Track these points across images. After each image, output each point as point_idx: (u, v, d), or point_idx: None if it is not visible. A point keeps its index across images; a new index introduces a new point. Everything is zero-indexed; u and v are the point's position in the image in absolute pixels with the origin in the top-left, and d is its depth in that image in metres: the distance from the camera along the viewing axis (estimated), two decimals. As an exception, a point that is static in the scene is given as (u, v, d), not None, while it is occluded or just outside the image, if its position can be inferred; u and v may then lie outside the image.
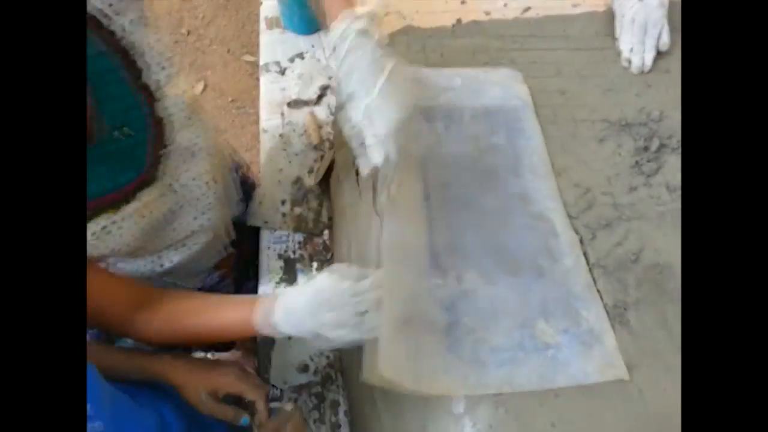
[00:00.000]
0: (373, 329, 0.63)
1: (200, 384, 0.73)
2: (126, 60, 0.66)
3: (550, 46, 0.88)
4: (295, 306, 0.65)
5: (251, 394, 0.74)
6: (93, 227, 0.63)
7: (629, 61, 0.85)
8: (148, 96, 0.69)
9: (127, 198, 0.67)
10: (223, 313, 0.72)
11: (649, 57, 0.84)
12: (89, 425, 0.51)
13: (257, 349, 0.98)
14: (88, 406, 0.51)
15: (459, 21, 0.92)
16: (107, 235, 0.65)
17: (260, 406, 0.73)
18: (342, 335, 0.63)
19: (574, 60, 0.87)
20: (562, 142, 0.79)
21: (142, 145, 0.69)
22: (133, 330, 0.72)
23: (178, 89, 0.72)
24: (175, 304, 0.74)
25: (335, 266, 0.68)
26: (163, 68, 0.70)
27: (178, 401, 0.69)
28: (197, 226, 0.84)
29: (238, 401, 0.78)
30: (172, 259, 0.82)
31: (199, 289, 1.02)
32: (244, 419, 0.73)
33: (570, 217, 0.73)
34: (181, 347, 0.80)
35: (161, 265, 0.82)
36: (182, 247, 0.82)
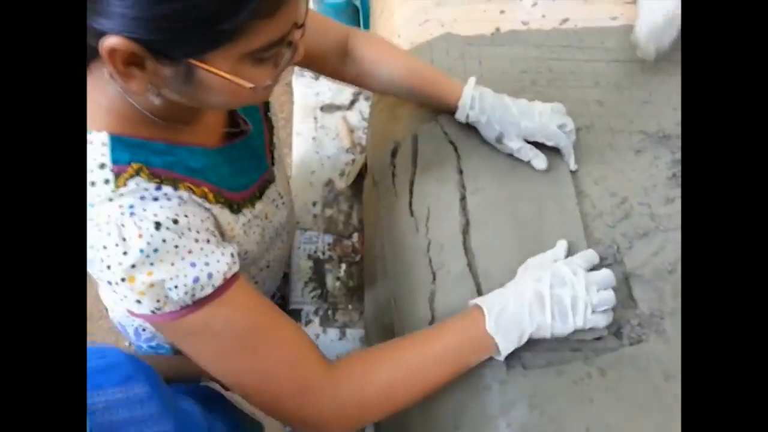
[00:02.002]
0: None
1: None
2: None
3: (588, 57, 0.89)
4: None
5: None
6: (241, 219, 0.64)
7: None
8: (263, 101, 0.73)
9: (257, 196, 0.69)
10: (451, 334, 0.61)
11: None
12: (161, 425, 0.52)
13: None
14: (157, 406, 0.51)
15: (498, 30, 0.93)
16: (246, 233, 0.66)
17: None
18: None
19: (611, 71, 0.87)
20: (600, 152, 0.79)
21: (262, 146, 0.72)
22: (327, 396, 0.58)
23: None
24: (383, 345, 0.63)
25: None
26: None
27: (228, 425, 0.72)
28: (282, 241, 0.85)
29: None
30: (249, 273, 0.79)
31: None
32: None
33: (607, 226, 0.73)
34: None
35: None
36: (258, 264, 0.79)
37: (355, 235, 1.10)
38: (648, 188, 0.76)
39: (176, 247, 0.51)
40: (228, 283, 0.55)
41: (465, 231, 0.74)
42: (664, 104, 0.83)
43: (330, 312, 1.01)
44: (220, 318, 0.54)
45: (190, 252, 0.52)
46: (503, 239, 0.72)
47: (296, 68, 1.38)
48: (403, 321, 0.75)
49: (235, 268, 0.56)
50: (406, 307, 0.75)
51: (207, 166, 0.59)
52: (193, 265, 0.52)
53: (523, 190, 0.76)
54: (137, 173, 0.51)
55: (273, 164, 0.74)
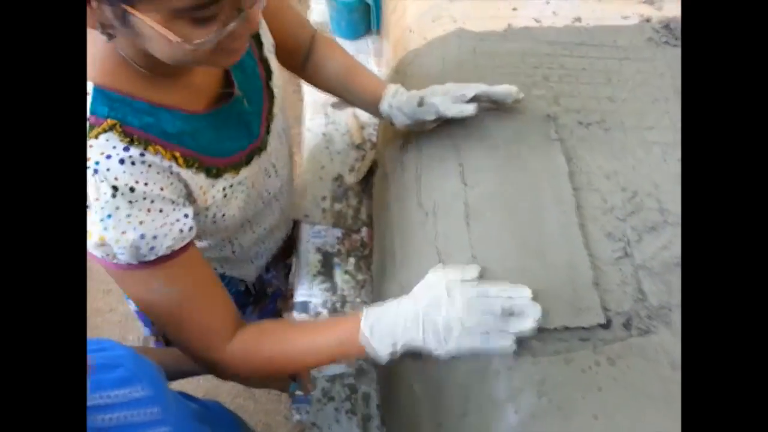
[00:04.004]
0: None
1: None
2: (255, 34, 0.72)
3: (600, 55, 0.89)
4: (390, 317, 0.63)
5: None
6: (221, 183, 0.67)
7: None
8: (265, 70, 0.76)
9: (244, 162, 0.72)
10: (332, 332, 0.67)
11: None
12: (157, 429, 0.52)
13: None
14: (157, 409, 0.52)
15: (510, 26, 0.93)
16: (227, 197, 0.69)
17: (303, 373, 0.79)
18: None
19: (623, 69, 0.88)
20: (611, 147, 0.79)
21: (257, 116, 0.74)
22: (226, 353, 0.68)
23: (277, 70, 0.79)
24: (279, 325, 0.72)
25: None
26: (270, 50, 0.78)
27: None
28: (277, 209, 0.90)
29: None
30: (243, 242, 0.86)
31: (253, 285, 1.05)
32: (293, 386, 0.79)
33: (617, 219, 0.73)
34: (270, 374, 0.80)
35: (233, 252, 0.87)
36: (250, 230, 0.86)
37: (364, 230, 1.11)
38: (658, 183, 0.76)
39: (128, 215, 0.56)
40: (174, 253, 0.60)
41: (468, 222, 0.74)
42: (675, 101, 0.84)
43: (338, 305, 1.01)
44: (159, 281, 0.61)
45: (141, 223, 0.57)
46: (500, 231, 0.72)
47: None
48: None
49: (187, 240, 0.62)
50: (415, 296, 0.75)
51: (185, 131, 0.62)
52: (142, 236, 0.57)
53: (520, 182, 0.76)
54: (111, 128, 0.55)
55: (268, 133, 0.76)
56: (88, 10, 0.49)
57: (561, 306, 0.65)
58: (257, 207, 0.79)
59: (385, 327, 0.62)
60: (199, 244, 0.82)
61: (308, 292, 1.04)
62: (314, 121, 1.27)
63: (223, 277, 0.97)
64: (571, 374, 0.62)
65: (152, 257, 0.59)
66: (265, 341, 0.69)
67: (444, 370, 0.67)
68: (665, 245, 0.71)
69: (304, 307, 1.02)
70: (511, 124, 0.81)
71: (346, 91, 0.88)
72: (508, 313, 0.59)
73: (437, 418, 0.67)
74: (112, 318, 1.89)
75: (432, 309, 0.61)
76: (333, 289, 1.04)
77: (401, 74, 0.98)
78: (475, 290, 0.60)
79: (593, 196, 0.75)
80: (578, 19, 0.95)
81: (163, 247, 0.59)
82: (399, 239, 0.83)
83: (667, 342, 0.64)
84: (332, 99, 1.31)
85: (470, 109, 0.76)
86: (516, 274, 0.68)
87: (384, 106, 0.82)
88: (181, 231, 0.61)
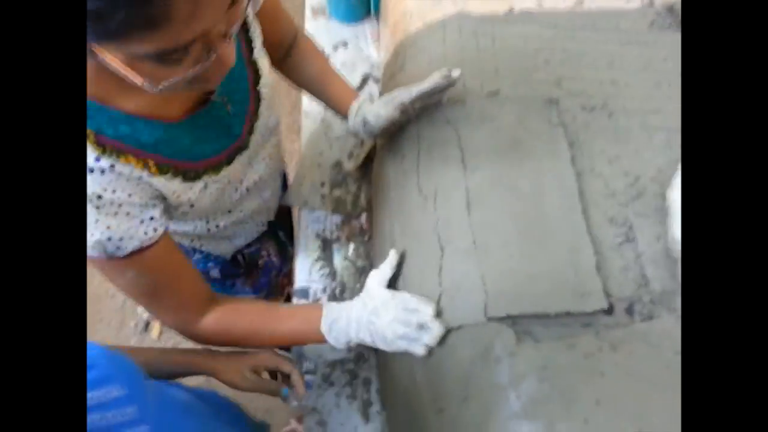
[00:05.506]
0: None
1: (241, 364, 0.80)
2: (245, 34, 0.73)
3: (602, 38, 0.88)
4: (340, 319, 0.73)
5: (286, 366, 0.82)
6: (198, 185, 0.70)
7: None
8: (253, 72, 0.76)
9: (225, 162, 0.73)
10: (297, 322, 0.77)
11: None
12: (135, 429, 0.51)
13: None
14: (134, 408, 0.51)
15: (511, 9, 0.92)
16: (204, 193, 0.71)
17: (296, 376, 0.79)
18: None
19: (625, 53, 0.87)
20: (614, 132, 0.79)
21: (240, 116, 0.75)
22: (200, 326, 0.75)
23: (267, 71, 0.79)
24: (251, 307, 0.78)
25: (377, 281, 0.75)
26: (262, 50, 0.78)
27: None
28: (257, 198, 0.90)
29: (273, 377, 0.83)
30: (219, 223, 0.86)
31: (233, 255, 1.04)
32: (284, 390, 0.78)
33: (619, 204, 0.73)
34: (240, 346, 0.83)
35: (208, 230, 0.86)
36: (228, 213, 0.85)
37: (363, 216, 1.10)
38: (661, 168, 0.76)
39: (96, 221, 0.58)
40: (143, 249, 0.63)
41: (469, 208, 0.74)
42: (678, 86, 0.83)
43: (338, 290, 1.01)
44: (131, 271, 0.64)
45: (108, 227, 0.59)
46: (502, 216, 0.72)
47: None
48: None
49: (156, 238, 0.64)
50: (415, 282, 0.75)
51: (161, 140, 0.63)
52: (109, 239, 0.59)
53: (522, 166, 0.75)
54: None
55: (251, 133, 0.77)
56: None
57: (563, 291, 0.65)
58: (233, 198, 0.81)
59: (340, 328, 0.73)
60: (171, 226, 0.83)
61: (307, 278, 1.03)
62: (312, 106, 1.26)
63: (200, 250, 0.98)
64: (573, 360, 0.61)
65: (121, 254, 0.61)
66: (239, 321, 0.76)
67: (445, 356, 0.67)
68: (668, 230, 0.70)
69: (304, 293, 1.01)
70: (512, 108, 0.80)
71: (319, 96, 0.92)
72: (420, 327, 0.68)
73: (438, 403, 0.66)
74: (112, 304, 1.88)
75: (374, 317, 0.71)
76: (332, 275, 1.03)
77: (400, 57, 0.97)
78: (400, 305, 0.69)
79: (596, 180, 0.75)
80: (580, 3, 0.94)
81: (130, 247, 0.62)
82: (399, 225, 0.82)
83: (670, 328, 0.64)
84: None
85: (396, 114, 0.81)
86: (517, 260, 0.68)
87: (350, 125, 0.87)
88: (148, 232, 0.63)
